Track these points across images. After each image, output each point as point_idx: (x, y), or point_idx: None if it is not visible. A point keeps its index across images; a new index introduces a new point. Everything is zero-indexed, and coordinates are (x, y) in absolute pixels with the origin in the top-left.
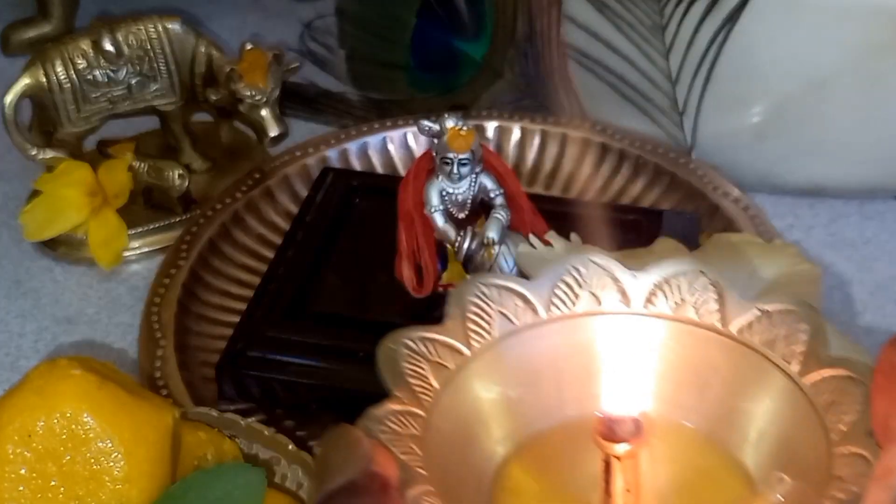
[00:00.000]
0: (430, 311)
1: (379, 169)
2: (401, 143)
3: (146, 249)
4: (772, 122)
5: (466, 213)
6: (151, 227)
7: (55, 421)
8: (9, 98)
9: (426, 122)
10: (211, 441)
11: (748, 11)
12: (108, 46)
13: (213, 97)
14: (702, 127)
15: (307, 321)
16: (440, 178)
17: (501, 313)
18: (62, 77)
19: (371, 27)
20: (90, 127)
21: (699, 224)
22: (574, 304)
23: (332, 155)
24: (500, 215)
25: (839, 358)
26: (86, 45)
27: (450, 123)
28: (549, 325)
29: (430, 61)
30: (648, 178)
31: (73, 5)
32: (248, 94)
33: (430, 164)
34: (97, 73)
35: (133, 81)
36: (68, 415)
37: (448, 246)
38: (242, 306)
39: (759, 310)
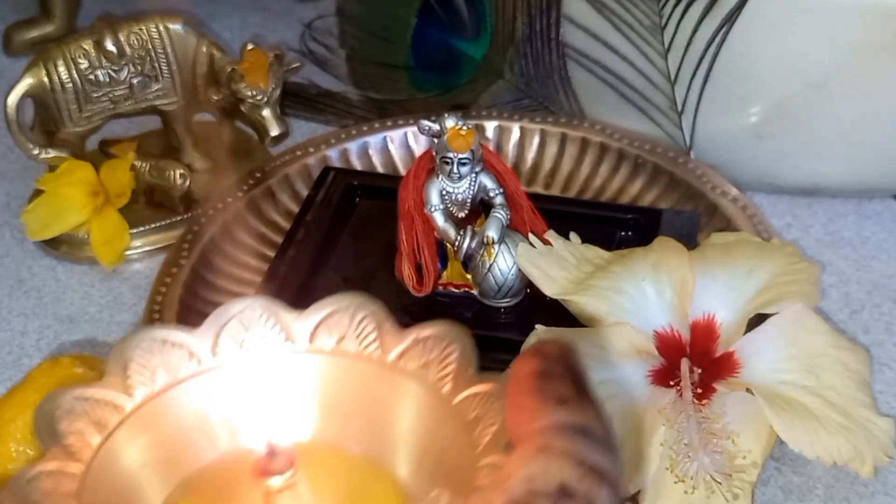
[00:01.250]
0: (430, 311)
1: (379, 168)
2: (401, 142)
3: (148, 248)
4: (770, 121)
5: (466, 212)
6: (153, 226)
7: None
8: (11, 98)
9: (426, 122)
10: None
11: (746, 12)
12: (110, 46)
13: (215, 97)
14: (700, 127)
15: None
16: (440, 177)
17: (163, 366)
18: (64, 77)
19: (371, 27)
20: (92, 126)
21: (698, 223)
22: (240, 348)
23: (332, 154)
24: (500, 214)
25: (483, 375)
26: (88, 45)
27: (450, 123)
28: (215, 372)
29: (431, 61)
30: (647, 178)
31: (76, 5)
32: (250, 93)
33: (431, 164)
34: (99, 72)
35: (135, 81)
36: None
37: (448, 245)
38: None
39: (414, 338)
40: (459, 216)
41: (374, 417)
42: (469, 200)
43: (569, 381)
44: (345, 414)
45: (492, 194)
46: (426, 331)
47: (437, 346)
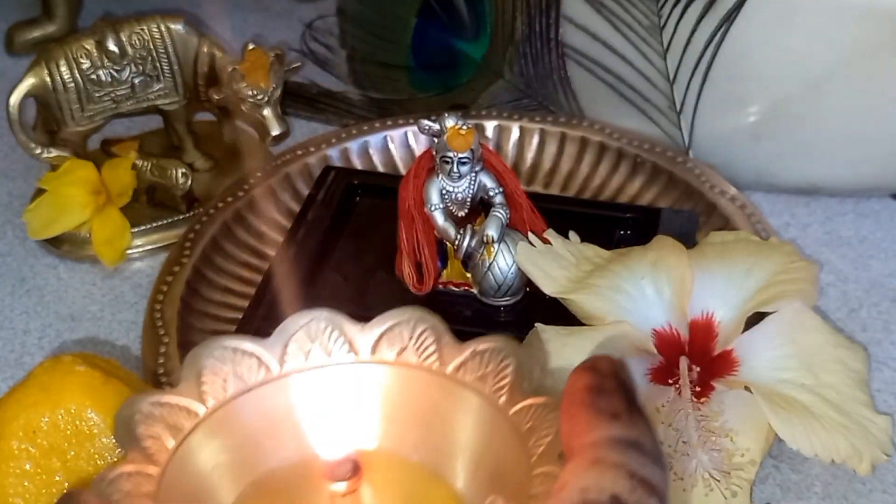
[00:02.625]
0: (430, 310)
1: (380, 168)
2: (401, 142)
3: (149, 247)
4: (768, 121)
5: (466, 211)
6: (154, 225)
7: (59, 417)
8: (13, 98)
9: (426, 122)
10: None
11: (745, 12)
12: (112, 46)
13: (216, 97)
14: (699, 126)
15: None
16: (440, 176)
17: (235, 373)
18: (66, 77)
19: (372, 27)
20: (94, 126)
21: (697, 222)
22: (306, 358)
23: (333, 154)
24: (500, 213)
25: (538, 388)
26: (90, 45)
27: (450, 123)
28: (283, 381)
29: (431, 61)
30: (646, 177)
31: (77, 6)
32: (250, 93)
33: (431, 163)
34: (101, 72)
35: (136, 81)
36: (72, 411)
37: (448, 244)
38: (245, 303)
39: (472, 350)
40: (459, 215)
41: (433, 427)
42: (469, 199)
43: (621, 397)
44: (405, 423)
45: (491, 193)
46: (483, 344)
47: (494, 359)
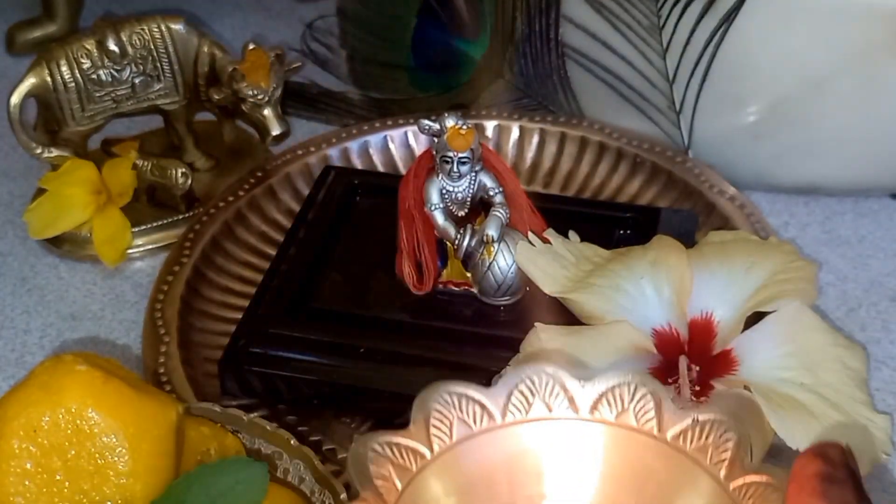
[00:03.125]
0: (430, 309)
1: (380, 167)
2: (401, 141)
3: (150, 247)
4: (767, 121)
5: (466, 210)
6: (155, 224)
7: (60, 416)
8: (14, 97)
9: (426, 122)
10: (214, 436)
11: (744, 12)
12: (113, 46)
13: (216, 96)
14: (698, 126)
15: (309, 318)
16: (440, 176)
17: (461, 419)
18: (67, 77)
19: (372, 27)
20: (94, 126)
21: (696, 222)
22: (527, 410)
23: (333, 153)
24: (500, 213)
25: (761, 466)
26: (90, 45)
27: (450, 122)
28: (504, 430)
29: (431, 61)
30: (646, 177)
31: (78, 6)
32: (251, 93)
33: (431, 163)
34: (101, 72)
35: (137, 81)
36: (73, 410)
37: (448, 243)
38: (245, 303)
39: (693, 419)
40: (459, 215)
41: (649, 491)
42: (469, 199)
43: (851, 488)
44: (620, 484)
45: (491, 193)
46: (705, 415)
47: (715, 430)
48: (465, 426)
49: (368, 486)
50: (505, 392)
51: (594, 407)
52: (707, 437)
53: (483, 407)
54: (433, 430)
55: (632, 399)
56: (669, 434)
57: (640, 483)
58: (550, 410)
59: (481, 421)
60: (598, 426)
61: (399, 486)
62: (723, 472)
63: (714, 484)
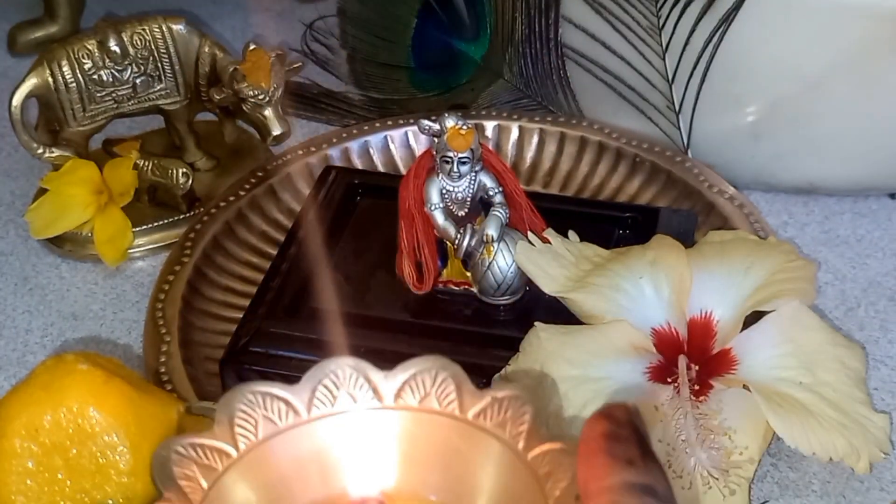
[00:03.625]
0: (430, 309)
1: (380, 167)
2: (402, 141)
3: (151, 246)
4: (766, 121)
5: (466, 210)
6: (156, 224)
7: (62, 415)
8: (16, 98)
9: (426, 122)
10: None
11: (744, 12)
12: (114, 47)
13: (217, 97)
14: (698, 126)
15: (309, 317)
16: (440, 176)
17: (266, 416)
18: (68, 77)
19: (372, 28)
20: (96, 126)
21: (695, 221)
22: (333, 403)
23: (334, 153)
24: (499, 213)
25: (555, 435)
26: (91, 45)
27: (450, 123)
28: (311, 424)
29: (431, 61)
30: (645, 177)
31: (80, 6)
32: (252, 93)
33: (431, 163)
34: (103, 72)
35: (138, 81)
36: (75, 409)
37: (448, 243)
38: (246, 302)
39: (491, 397)
40: (459, 215)
41: (454, 469)
42: (469, 199)
43: (636, 444)
44: (427, 465)
45: (491, 193)
46: (502, 392)
47: (513, 405)
48: (271, 423)
49: (172, 486)
50: (309, 388)
51: (398, 395)
52: (505, 413)
53: (288, 403)
54: (238, 430)
55: (433, 384)
56: (470, 413)
57: (446, 462)
58: (356, 402)
59: (287, 417)
60: (402, 413)
61: (205, 485)
62: (521, 444)
63: (514, 455)
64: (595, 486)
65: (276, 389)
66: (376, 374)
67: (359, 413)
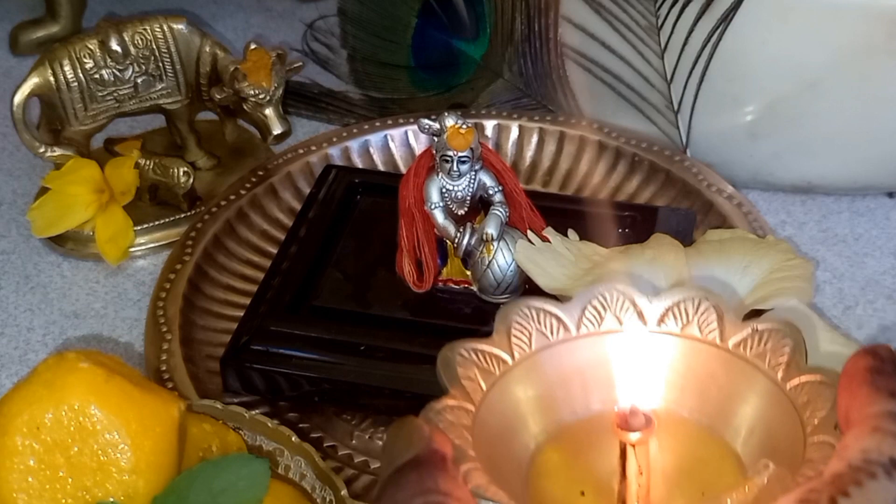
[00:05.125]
0: (430, 307)
1: (380, 166)
2: (402, 141)
3: (152, 245)
4: (765, 120)
5: (466, 209)
6: (157, 223)
7: (63, 413)
8: (18, 97)
9: (426, 121)
10: (216, 433)
11: (742, 13)
12: (115, 46)
13: (218, 96)
14: (696, 125)
15: (310, 315)
16: (440, 175)
17: (539, 330)
18: (70, 76)
19: (372, 28)
20: (97, 125)
21: (694, 220)
22: (600, 323)
23: (334, 153)
24: (499, 212)
25: (814, 367)
26: (93, 45)
27: (450, 122)
28: (578, 341)
29: (431, 61)
30: (644, 176)
31: (81, 6)
32: (252, 93)
33: (431, 162)
34: (104, 72)
35: (139, 80)
36: (76, 407)
37: (448, 242)
38: (246, 301)
39: (752, 328)
40: (459, 213)
41: (713, 395)
42: (469, 198)
43: None
44: (687, 389)
45: (491, 192)
46: (764, 324)
47: (773, 337)
48: (543, 337)
49: (457, 384)
50: (579, 307)
51: (661, 320)
52: (766, 344)
53: (559, 320)
54: (514, 340)
55: (696, 312)
56: (731, 343)
57: (704, 388)
58: (621, 324)
59: (557, 332)
60: (665, 337)
61: (484, 387)
62: (780, 374)
63: (772, 385)
64: (857, 413)
65: (550, 306)
66: (641, 299)
67: (624, 335)
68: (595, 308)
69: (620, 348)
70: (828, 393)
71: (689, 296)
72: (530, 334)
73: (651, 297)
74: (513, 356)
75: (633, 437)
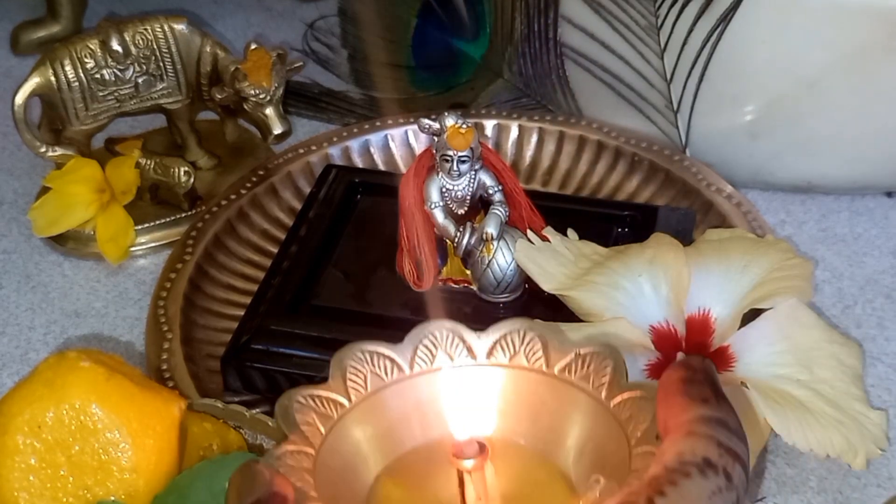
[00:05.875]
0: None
1: (380, 166)
2: (402, 140)
3: (153, 245)
4: (764, 120)
5: (466, 209)
6: (158, 222)
7: (64, 412)
8: (19, 97)
9: (426, 121)
10: (216, 432)
11: (741, 12)
12: (116, 46)
13: (219, 96)
14: (696, 125)
15: (310, 315)
16: (440, 174)
17: (374, 372)
18: (71, 76)
19: (373, 27)
20: (98, 125)
21: (694, 220)
22: (432, 361)
23: (334, 152)
24: (499, 211)
25: (634, 384)
26: (94, 44)
27: (450, 121)
28: (413, 380)
29: (431, 61)
30: (643, 175)
31: (82, 6)
32: (253, 92)
33: (431, 162)
34: (105, 72)
35: (140, 80)
36: (77, 406)
37: (448, 241)
38: (247, 300)
39: (575, 353)
40: (459, 213)
41: (543, 419)
42: (468, 197)
43: (709, 386)
44: (518, 416)
45: (491, 191)
46: (585, 348)
47: (595, 360)
48: (378, 378)
49: (295, 430)
50: (411, 347)
51: (490, 353)
52: (589, 367)
53: (392, 361)
54: (350, 384)
55: (522, 342)
56: (556, 368)
57: (535, 413)
58: (452, 360)
59: (392, 373)
60: (494, 369)
61: (323, 430)
62: (604, 394)
63: (597, 404)
64: (673, 421)
65: (382, 348)
66: (470, 335)
67: (456, 370)
68: (426, 347)
69: (453, 383)
70: (648, 406)
71: (515, 328)
72: (365, 377)
73: (478, 333)
74: (349, 399)
75: (468, 464)
